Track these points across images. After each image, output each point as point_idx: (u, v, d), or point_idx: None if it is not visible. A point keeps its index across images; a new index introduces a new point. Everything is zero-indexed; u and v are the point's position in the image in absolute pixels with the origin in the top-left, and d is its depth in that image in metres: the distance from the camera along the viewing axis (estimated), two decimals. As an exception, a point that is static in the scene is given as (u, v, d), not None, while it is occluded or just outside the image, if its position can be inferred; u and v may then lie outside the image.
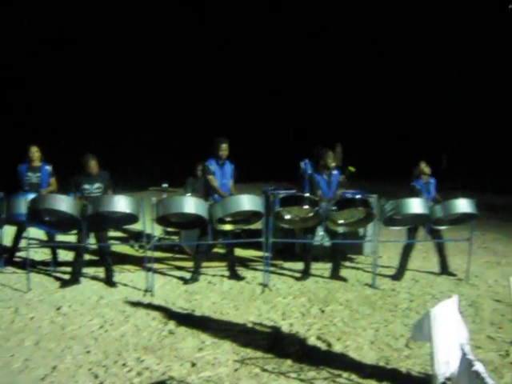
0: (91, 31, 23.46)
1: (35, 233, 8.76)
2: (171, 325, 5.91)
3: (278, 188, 10.14)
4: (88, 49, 23.50)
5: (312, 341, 5.52)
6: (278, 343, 5.45)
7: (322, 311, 6.50)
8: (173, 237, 9.89)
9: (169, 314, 6.32)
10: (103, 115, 22.65)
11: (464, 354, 2.28)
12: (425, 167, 8.16)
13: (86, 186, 7.48)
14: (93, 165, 7.51)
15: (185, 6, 25.49)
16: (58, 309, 6.47)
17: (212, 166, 7.77)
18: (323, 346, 5.38)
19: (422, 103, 26.05)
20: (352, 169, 9.55)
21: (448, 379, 2.75)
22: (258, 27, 25.63)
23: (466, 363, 2.21)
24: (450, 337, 2.84)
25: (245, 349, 5.24)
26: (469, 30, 25.16)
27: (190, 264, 8.40)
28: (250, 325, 5.98)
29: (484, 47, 25.50)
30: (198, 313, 6.38)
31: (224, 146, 7.79)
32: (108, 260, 7.61)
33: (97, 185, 7.52)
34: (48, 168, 8.51)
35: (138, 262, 8.75)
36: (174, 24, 25.17)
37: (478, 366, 2.06)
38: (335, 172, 7.98)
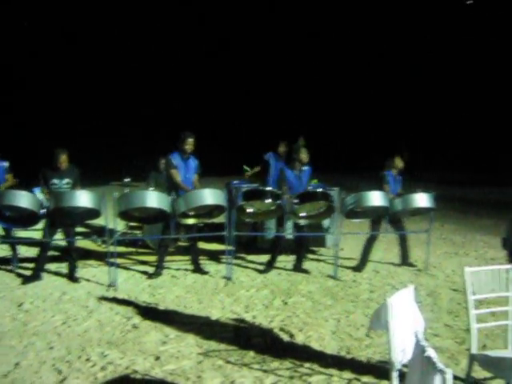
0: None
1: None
2: (135, 319, 5.92)
3: (241, 182, 10.19)
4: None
5: (275, 332, 5.59)
6: (241, 335, 5.51)
7: (285, 303, 6.58)
8: (135, 231, 9.86)
9: (132, 308, 6.33)
10: (68, 109, 22.53)
11: (417, 341, 2.38)
12: (399, 162, 8.32)
13: (55, 181, 7.41)
14: (64, 159, 7.43)
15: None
16: (20, 305, 6.41)
17: (175, 160, 7.75)
18: (286, 337, 5.46)
19: (384, 98, 26.39)
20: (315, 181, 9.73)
21: (405, 366, 2.84)
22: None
23: (419, 349, 2.30)
24: (406, 325, 2.94)
25: (208, 341, 5.29)
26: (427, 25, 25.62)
27: (153, 258, 8.42)
28: (213, 318, 6.02)
29: (446, 43, 26.02)
30: (161, 307, 6.40)
31: (190, 140, 7.77)
32: (72, 255, 7.57)
33: (66, 180, 7.45)
34: (4, 164, 8.41)
35: (101, 257, 8.73)
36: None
37: (430, 352, 2.16)
38: (306, 168, 8.04)
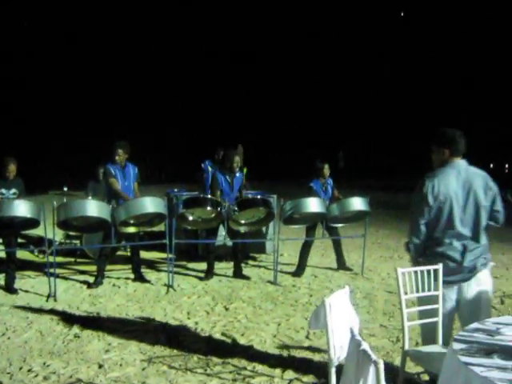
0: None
1: None
2: (76, 329, 5.90)
3: (181, 190, 10.27)
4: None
5: (217, 337, 5.70)
6: (183, 341, 5.59)
7: (226, 309, 6.70)
8: (74, 241, 9.76)
9: (73, 318, 6.30)
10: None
11: (353, 336, 2.54)
12: (325, 169, 8.51)
13: (3, 191, 7.30)
14: (13, 169, 7.34)
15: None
16: (-45, 318, 6.30)
17: (112, 168, 7.76)
18: (228, 342, 5.57)
19: (320, 102, 26.91)
20: (244, 170, 9.88)
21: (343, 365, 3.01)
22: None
23: (354, 344, 2.47)
24: (342, 323, 3.11)
25: (151, 348, 5.34)
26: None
27: (92, 268, 8.36)
28: (155, 325, 6.08)
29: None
30: (103, 315, 6.40)
31: (119, 151, 7.79)
32: (11, 266, 7.45)
33: (13, 190, 7.36)
34: None
35: (39, 267, 8.65)
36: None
37: (365, 345, 2.32)
38: (238, 174, 8.20)
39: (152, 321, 6.21)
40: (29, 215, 6.95)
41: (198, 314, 6.46)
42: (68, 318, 6.27)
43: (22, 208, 6.91)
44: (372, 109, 26.96)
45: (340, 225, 8.58)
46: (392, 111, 26.87)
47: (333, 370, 3.08)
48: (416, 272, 3.94)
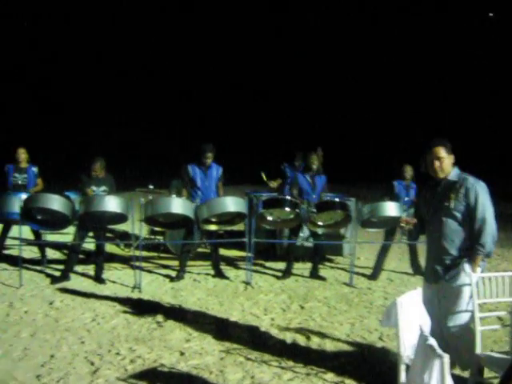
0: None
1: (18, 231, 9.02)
2: (159, 318, 6.26)
3: (260, 191, 10.54)
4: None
5: (292, 334, 5.90)
6: (260, 336, 5.83)
7: (302, 307, 6.88)
8: (158, 236, 10.22)
9: (157, 308, 6.67)
10: (88, 113, 23.05)
11: (421, 332, 2.68)
12: (407, 171, 8.53)
13: (94, 188, 7.83)
14: (101, 168, 7.86)
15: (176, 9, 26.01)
16: (51, 303, 6.79)
17: (193, 169, 8.17)
18: (303, 339, 5.76)
19: (396, 104, 26.53)
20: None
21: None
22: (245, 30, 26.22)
23: (422, 339, 2.61)
24: (413, 323, 3.24)
25: (229, 340, 5.62)
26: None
27: (175, 263, 8.75)
28: (233, 319, 6.35)
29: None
30: (184, 307, 6.74)
31: (208, 154, 8.18)
32: (100, 258, 7.94)
33: (103, 187, 7.88)
34: (34, 169, 8.85)
35: (125, 260, 9.12)
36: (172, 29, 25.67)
37: (431, 341, 2.46)
38: (320, 176, 8.39)
39: (230, 315, 6.48)
40: (118, 210, 7.40)
41: (274, 311, 6.68)
42: (152, 309, 6.64)
43: (112, 203, 7.37)
44: (461, 111, 26.24)
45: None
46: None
47: (402, 367, 3.22)
48: (490, 278, 4.00)
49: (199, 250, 9.71)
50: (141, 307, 6.70)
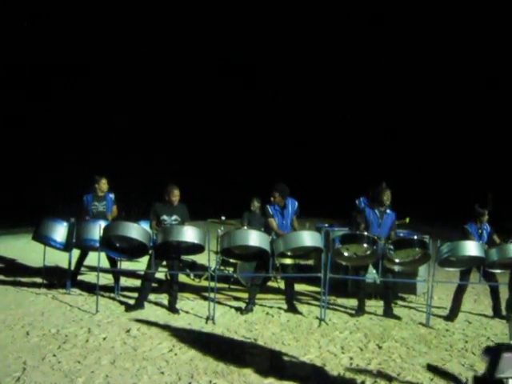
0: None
1: (94, 258, 9.16)
2: (236, 351, 6.20)
3: (333, 225, 10.43)
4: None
5: (373, 374, 5.73)
6: (340, 374, 5.68)
7: (380, 347, 6.70)
8: (227, 267, 10.22)
9: (232, 341, 6.63)
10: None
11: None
12: (485, 216, 8.31)
13: (165, 217, 7.89)
14: (176, 195, 7.93)
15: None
16: (128, 331, 6.83)
17: (271, 209, 8.16)
18: (384, 381, 5.58)
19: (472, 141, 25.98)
20: (407, 220, 9.83)
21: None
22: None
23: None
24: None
25: (309, 378, 5.50)
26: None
27: (245, 295, 8.70)
28: (311, 356, 6.22)
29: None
30: (260, 342, 6.66)
31: (276, 193, 8.17)
32: (174, 287, 7.97)
33: (174, 216, 7.93)
34: (112, 196, 9.05)
35: (195, 290, 9.14)
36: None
37: None
38: (389, 212, 8.23)
39: (307, 351, 6.36)
40: (196, 241, 7.43)
41: (351, 350, 6.52)
42: (228, 342, 6.60)
43: (190, 234, 7.41)
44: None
45: (498, 271, 8.29)
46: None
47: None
48: None
49: (269, 283, 9.64)
50: (216, 339, 6.67)
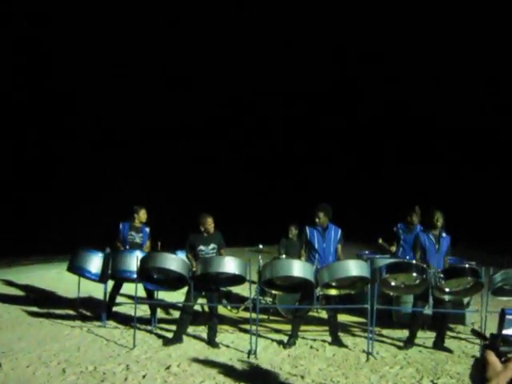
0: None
1: (128, 289, 8.90)
2: (284, 390, 5.86)
3: (373, 252, 10.06)
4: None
5: (433, 415, 5.34)
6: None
7: (434, 383, 6.29)
8: (266, 298, 9.87)
9: (278, 378, 6.28)
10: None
11: None
12: None
13: (202, 248, 7.65)
14: (210, 223, 7.69)
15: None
16: (168, 368, 6.52)
17: (310, 231, 7.84)
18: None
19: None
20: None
21: None
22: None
23: None
24: None
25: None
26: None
27: (285, 327, 8.36)
28: (363, 394, 5.85)
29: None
30: (307, 379, 6.28)
31: (320, 213, 7.87)
32: (214, 320, 7.65)
33: (212, 245, 7.68)
34: (147, 229, 8.90)
35: (234, 322, 8.81)
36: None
37: None
38: (444, 235, 7.82)
39: (359, 389, 5.99)
40: (237, 272, 7.14)
41: (405, 387, 6.13)
42: (273, 379, 6.26)
43: (231, 265, 7.12)
44: None
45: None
46: None
47: None
48: None
49: (310, 313, 9.26)
50: (261, 376, 6.32)
